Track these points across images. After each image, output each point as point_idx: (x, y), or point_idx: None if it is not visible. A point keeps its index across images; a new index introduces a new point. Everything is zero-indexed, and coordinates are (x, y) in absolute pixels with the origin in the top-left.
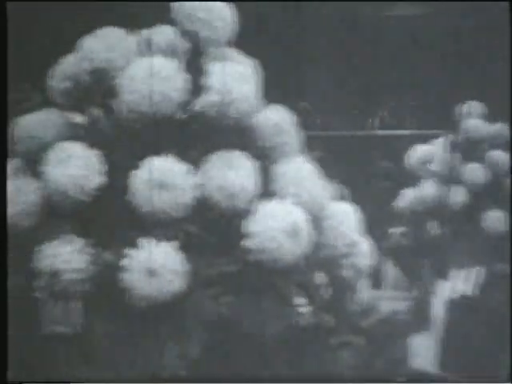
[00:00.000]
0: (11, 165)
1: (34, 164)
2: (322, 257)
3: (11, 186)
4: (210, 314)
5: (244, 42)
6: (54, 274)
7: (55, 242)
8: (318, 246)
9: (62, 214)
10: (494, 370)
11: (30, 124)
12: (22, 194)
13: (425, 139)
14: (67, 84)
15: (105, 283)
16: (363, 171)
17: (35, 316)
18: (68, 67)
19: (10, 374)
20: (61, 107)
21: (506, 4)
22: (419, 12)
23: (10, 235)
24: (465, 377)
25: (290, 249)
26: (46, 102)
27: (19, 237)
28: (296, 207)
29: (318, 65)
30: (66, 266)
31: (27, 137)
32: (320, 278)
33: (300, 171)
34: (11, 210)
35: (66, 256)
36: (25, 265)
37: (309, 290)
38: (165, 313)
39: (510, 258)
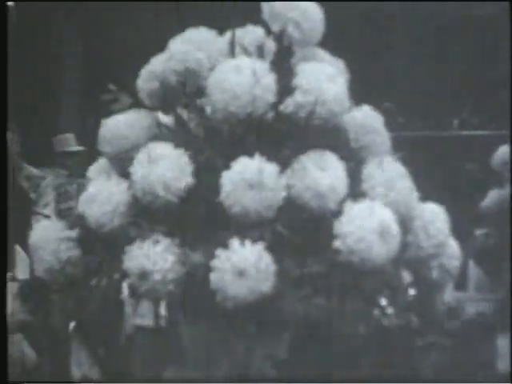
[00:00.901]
0: (98, 165)
1: (122, 164)
2: (409, 257)
3: (99, 186)
4: (297, 314)
5: (329, 42)
6: (143, 275)
7: (144, 243)
8: (405, 247)
9: (150, 215)
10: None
11: (118, 125)
12: (110, 194)
13: (506, 140)
14: (155, 85)
15: (193, 284)
16: (447, 172)
17: (120, 315)
18: (156, 68)
19: (93, 372)
20: (149, 108)
21: (506, 4)
22: (493, 11)
23: (98, 235)
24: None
25: (380, 250)
26: (134, 103)
27: (109, 237)
28: (385, 208)
29: (401, 65)
30: (155, 266)
31: (115, 137)
32: (407, 278)
33: (389, 171)
34: (99, 209)
35: (155, 256)
36: (113, 265)
37: (395, 291)
38: (253, 313)
39: (510, 257)
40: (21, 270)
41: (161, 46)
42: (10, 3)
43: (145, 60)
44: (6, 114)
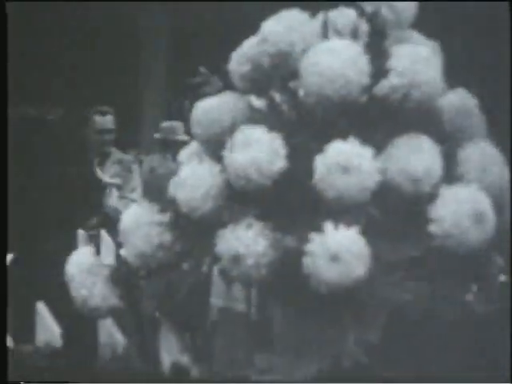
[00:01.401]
0: (190, 149)
1: (214, 148)
2: (503, 242)
3: (190, 170)
4: (390, 299)
5: (423, 23)
6: (235, 259)
7: (236, 226)
8: (500, 232)
9: (242, 198)
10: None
11: (209, 108)
12: (202, 178)
13: None
14: (247, 67)
15: (286, 268)
16: None
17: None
18: (249, 50)
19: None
20: (241, 91)
21: (506, 4)
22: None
23: (190, 219)
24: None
25: (475, 234)
26: (226, 86)
27: (201, 221)
28: (481, 192)
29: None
30: (247, 250)
31: (207, 121)
32: (499, 264)
33: (484, 155)
34: (191, 193)
35: (247, 240)
36: (205, 249)
37: (487, 277)
38: (346, 298)
39: (510, 256)
40: (106, 254)
41: (252, 29)
42: None
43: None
44: (6, 114)
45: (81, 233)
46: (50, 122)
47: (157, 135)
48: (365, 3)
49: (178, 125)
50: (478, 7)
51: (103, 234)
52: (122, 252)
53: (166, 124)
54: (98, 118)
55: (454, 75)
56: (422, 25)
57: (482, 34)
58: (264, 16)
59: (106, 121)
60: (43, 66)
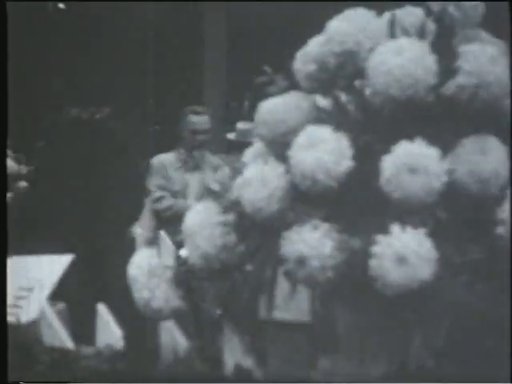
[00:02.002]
0: (255, 149)
1: (279, 148)
2: None
3: (255, 170)
4: (457, 302)
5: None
6: (300, 260)
7: (302, 228)
8: None
9: (308, 199)
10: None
11: (275, 108)
12: (267, 178)
13: None
14: (313, 67)
15: (352, 270)
16: None
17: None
18: (314, 50)
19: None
20: (306, 90)
21: (506, 4)
22: None
23: (254, 220)
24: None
25: None
26: (291, 86)
27: (265, 222)
28: None
29: None
30: (313, 252)
31: (272, 121)
32: None
33: None
34: (256, 194)
35: (313, 242)
36: (270, 251)
37: None
38: (412, 301)
39: (510, 255)
40: (166, 256)
41: (317, 28)
42: None
43: (301, 42)
44: (6, 114)
45: (140, 233)
46: (107, 123)
47: (231, 136)
48: (432, 2)
49: (248, 126)
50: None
51: (162, 234)
52: (183, 252)
53: (241, 125)
54: (192, 118)
55: None
56: (489, 24)
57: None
58: (329, 14)
59: (201, 121)
60: (99, 67)
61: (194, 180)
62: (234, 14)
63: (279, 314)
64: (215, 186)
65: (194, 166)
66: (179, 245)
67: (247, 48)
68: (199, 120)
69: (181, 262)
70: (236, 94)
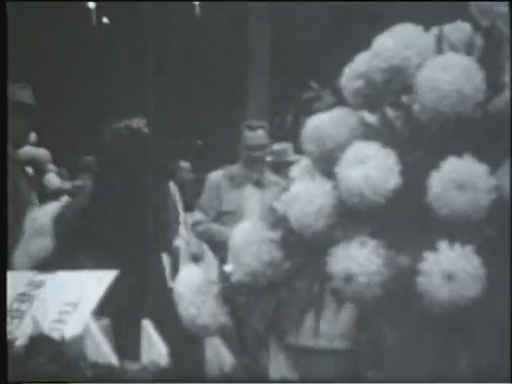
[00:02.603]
0: (301, 165)
1: (326, 164)
2: None
3: (302, 186)
4: (505, 321)
5: None
6: (348, 277)
7: (349, 245)
8: None
9: (355, 216)
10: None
11: (322, 124)
12: (314, 195)
13: None
14: (360, 82)
15: (399, 287)
16: None
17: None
18: (361, 65)
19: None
20: (353, 106)
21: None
22: None
23: (301, 237)
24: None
25: None
26: (338, 101)
27: (312, 238)
28: None
29: None
30: (360, 269)
31: (319, 137)
32: None
33: None
34: (303, 211)
35: (360, 259)
36: (317, 268)
37: None
38: (459, 318)
39: (510, 256)
40: (210, 272)
41: (364, 44)
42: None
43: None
44: (6, 115)
45: (183, 249)
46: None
47: (268, 158)
48: (481, 17)
49: (288, 146)
50: None
51: (206, 250)
52: (227, 268)
53: (276, 146)
54: (248, 134)
55: None
56: None
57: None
58: (375, 30)
59: (258, 136)
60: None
61: (252, 198)
62: (277, 28)
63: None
64: (279, 206)
65: (255, 183)
66: (223, 260)
67: (290, 62)
68: (255, 135)
69: (225, 278)
70: (278, 109)
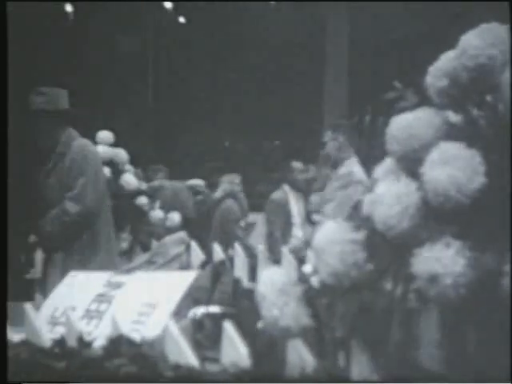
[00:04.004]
0: (385, 165)
1: (410, 164)
2: None
3: (386, 187)
4: None
5: None
6: (432, 278)
7: (434, 246)
8: None
9: (440, 216)
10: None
11: (406, 124)
12: (399, 195)
13: None
14: (445, 81)
15: (483, 288)
16: None
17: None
18: (446, 64)
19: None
20: (437, 106)
21: (506, 4)
22: None
23: (385, 238)
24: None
25: None
26: (422, 101)
27: (396, 239)
28: None
29: None
30: (445, 270)
31: (403, 137)
32: None
33: None
34: (387, 211)
35: (446, 260)
36: (401, 268)
37: None
38: None
39: (510, 257)
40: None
41: (448, 42)
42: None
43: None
44: (6, 114)
45: (261, 250)
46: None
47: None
48: None
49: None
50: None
51: (285, 251)
52: (306, 269)
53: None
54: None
55: None
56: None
57: None
58: (460, 29)
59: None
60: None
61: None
62: (356, 27)
63: None
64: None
65: (344, 185)
66: (302, 261)
67: (368, 62)
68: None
69: (304, 279)
70: (357, 109)
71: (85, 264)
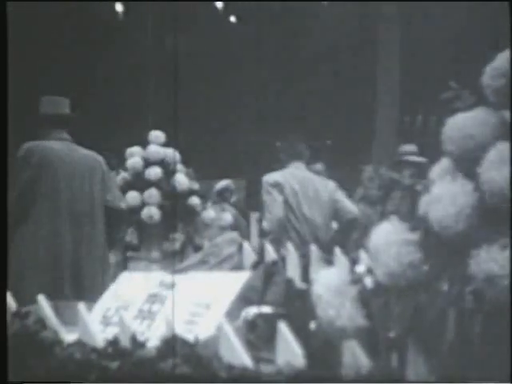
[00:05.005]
0: (442, 165)
1: (467, 165)
2: None
3: (443, 187)
4: None
5: None
6: (489, 280)
7: (491, 247)
8: None
9: (496, 217)
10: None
11: (462, 123)
12: (456, 195)
13: None
14: (501, 81)
15: None
16: None
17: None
18: (503, 64)
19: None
20: (494, 106)
21: (506, 4)
22: None
23: (442, 238)
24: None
25: None
26: (478, 101)
27: (452, 240)
28: None
29: None
30: (503, 271)
31: (460, 137)
32: None
33: None
34: (444, 212)
35: (503, 261)
36: (457, 269)
37: None
38: None
39: (510, 257)
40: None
41: (505, 42)
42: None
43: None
44: (6, 114)
45: (313, 250)
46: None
47: (397, 158)
48: None
49: (413, 148)
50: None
51: (338, 251)
52: (359, 269)
53: (403, 147)
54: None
55: None
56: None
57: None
58: None
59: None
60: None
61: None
62: (407, 28)
63: None
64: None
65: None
66: (355, 261)
67: (420, 60)
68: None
69: (358, 279)
70: (409, 108)
71: None
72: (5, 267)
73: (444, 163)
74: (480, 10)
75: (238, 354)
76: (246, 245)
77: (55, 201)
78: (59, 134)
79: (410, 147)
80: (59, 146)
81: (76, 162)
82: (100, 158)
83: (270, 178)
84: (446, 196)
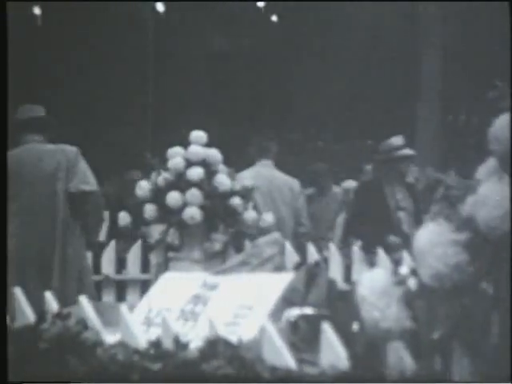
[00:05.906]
0: (488, 165)
1: None
2: None
3: (489, 188)
4: None
5: None
6: None
7: None
8: None
9: None
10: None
11: (508, 123)
12: (502, 196)
13: None
14: None
15: None
16: None
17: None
18: None
19: None
20: None
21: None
22: None
23: (488, 239)
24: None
25: None
26: None
27: (499, 241)
28: None
29: None
30: None
31: (505, 136)
32: None
33: None
34: (490, 213)
35: None
36: (504, 270)
37: None
38: None
39: (510, 258)
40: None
41: None
42: None
43: None
44: (6, 115)
45: (355, 250)
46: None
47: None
48: None
49: (401, 140)
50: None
51: (381, 253)
52: (402, 270)
53: (390, 141)
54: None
55: None
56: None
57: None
58: None
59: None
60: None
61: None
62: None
63: None
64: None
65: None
66: (398, 262)
67: (462, 62)
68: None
69: (401, 281)
70: (451, 108)
71: None
72: (5, 266)
73: (490, 163)
74: None
75: (282, 356)
76: (288, 245)
77: (17, 203)
78: (32, 137)
79: (397, 140)
80: (24, 151)
81: (40, 161)
82: (69, 150)
83: None
84: (492, 197)
